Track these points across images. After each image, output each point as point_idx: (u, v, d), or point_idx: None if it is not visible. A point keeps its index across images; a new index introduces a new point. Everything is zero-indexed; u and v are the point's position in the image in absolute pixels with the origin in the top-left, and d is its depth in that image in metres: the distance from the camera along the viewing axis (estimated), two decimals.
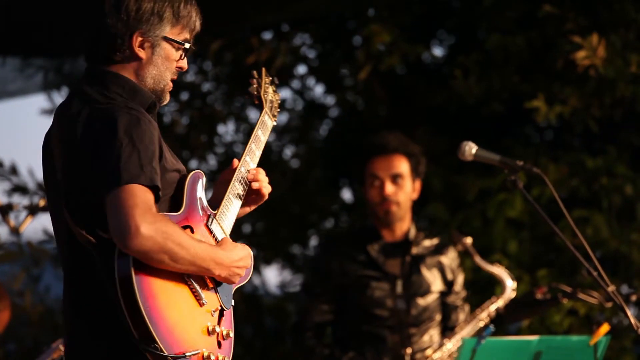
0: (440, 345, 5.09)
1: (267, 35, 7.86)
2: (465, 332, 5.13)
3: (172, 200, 3.28)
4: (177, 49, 3.43)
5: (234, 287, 3.37)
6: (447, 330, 5.23)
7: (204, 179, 3.37)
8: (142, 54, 3.36)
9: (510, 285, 5.27)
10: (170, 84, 3.45)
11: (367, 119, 7.95)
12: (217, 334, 3.24)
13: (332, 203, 8.29)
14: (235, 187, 3.47)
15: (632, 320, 4.12)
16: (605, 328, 4.43)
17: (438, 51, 8.03)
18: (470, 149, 4.36)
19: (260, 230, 8.35)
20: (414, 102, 7.71)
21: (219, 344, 3.25)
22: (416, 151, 5.26)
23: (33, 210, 5.83)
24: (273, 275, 12.39)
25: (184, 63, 3.48)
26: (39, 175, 3.22)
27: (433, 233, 5.39)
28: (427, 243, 5.28)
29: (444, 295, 5.25)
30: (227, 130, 8.42)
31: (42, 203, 5.85)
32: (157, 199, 3.13)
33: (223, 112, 8.35)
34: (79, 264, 3.24)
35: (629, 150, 7.03)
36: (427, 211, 7.08)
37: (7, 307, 5.52)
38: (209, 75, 8.38)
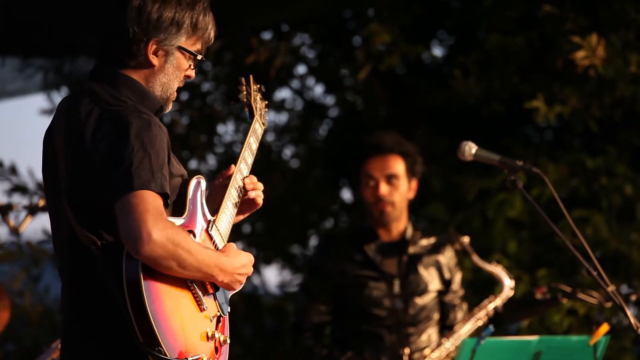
0: (439, 344, 5.09)
1: (267, 35, 7.87)
2: (463, 330, 5.12)
3: (174, 205, 3.28)
4: (189, 59, 3.43)
5: (231, 294, 3.38)
6: (446, 329, 5.23)
7: (205, 184, 3.37)
8: (155, 61, 3.36)
9: (508, 284, 5.27)
10: (175, 94, 3.45)
11: (367, 119, 7.95)
12: (215, 340, 3.25)
13: (331, 203, 8.29)
14: (232, 195, 3.48)
15: (632, 320, 4.12)
16: (604, 328, 4.44)
17: (438, 51, 8.04)
18: (470, 149, 4.36)
19: (260, 230, 8.35)
20: (413, 102, 7.71)
21: (217, 350, 3.26)
22: (412, 151, 5.26)
23: (33, 210, 5.83)
24: (273, 275, 12.40)
25: (192, 72, 3.47)
26: (39, 175, 3.22)
27: (430, 232, 5.38)
28: (424, 242, 5.28)
29: (441, 294, 5.25)
30: (226, 130, 8.43)
31: (41, 203, 5.84)
32: (165, 206, 3.14)
33: (223, 112, 8.35)
34: (79, 264, 3.23)
35: (628, 150, 7.03)
36: (427, 211, 7.08)
37: (6, 306, 5.52)
38: (208, 75, 8.38)
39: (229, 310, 3.35)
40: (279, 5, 6.94)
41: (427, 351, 5.09)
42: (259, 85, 3.85)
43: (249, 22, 7.30)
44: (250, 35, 7.61)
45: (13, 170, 7.81)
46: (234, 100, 3.80)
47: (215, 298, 3.29)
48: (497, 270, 5.30)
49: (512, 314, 5.20)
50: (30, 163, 7.91)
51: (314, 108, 8.37)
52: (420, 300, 5.17)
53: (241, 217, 3.60)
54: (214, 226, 3.33)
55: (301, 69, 8.27)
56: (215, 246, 3.32)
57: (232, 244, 3.35)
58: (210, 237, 3.32)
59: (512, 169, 4.28)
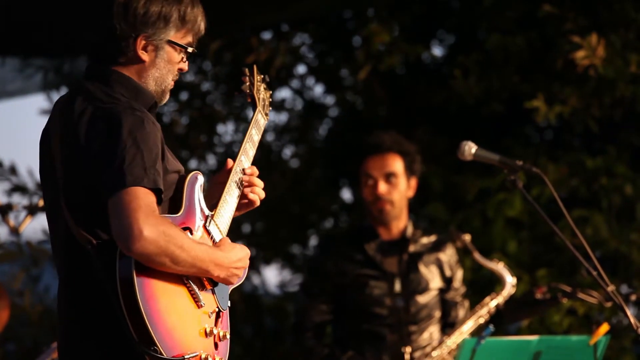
0: (440, 342, 5.09)
1: (267, 35, 7.87)
2: (465, 328, 5.12)
3: (171, 201, 3.28)
4: (180, 52, 3.43)
5: (230, 288, 3.37)
6: (447, 326, 5.23)
7: (203, 180, 3.37)
8: (145, 56, 3.36)
9: (510, 281, 5.26)
10: (172, 84, 3.46)
11: (367, 119, 7.95)
12: (214, 335, 3.24)
13: (331, 203, 8.30)
14: (231, 189, 3.47)
15: (632, 320, 4.12)
16: (604, 328, 4.43)
17: (438, 51, 8.04)
18: (470, 148, 4.36)
19: (260, 230, 8.35)
20: (413, 102, 7.71)
21: (216, 346, 3.25)
22: (410, 149, 5.26)
23: (32, 210, 5.83)
24: (273, 275, 12.41)
25: (185, 65, 3.48)
26: (39, 175, 3.22)
27: (430, 230, 5.38)
28: (425, 240, 5.28)
29: (443, 292, 5.25)
30: (226, 130, 8.44)
31: (41, 203, 5.84)
32: (159, 202, 3.13)
33: (222, 112, 8.36)
34: (76, 264, 3.23)
35: (628, 150, 7.04)
36: (426, 211, 7.08)
37: (6, 306, 5.52)
38: (208, 75, 8.38)
39: (229, 305, 3.35)
40: (279, 5, 6.94)
41: (428, 349, 5.09)
42: (262, 76, 3.83)
43: (248, 22, 7.30)
44: (250, 35, 7.61)
45: (13, 170, 7.81)
46: (238, 91, 3.78)
47: (213, 293, 3.28)
48: (499, 267, 5.29)
49: (512, 314, 5.20)
50: (30, 163, 7.92)
51: (313, 108, 8.37)
52: (421, 299, 5.17)
53: (237, 213, 3.56)
54: (212, 221, 3.32)
55: (301, 69, 8.28)
56: (214, 241, 3.32)
57: (227, 238, 3.34)
58: (208, 233, 3.31)
59: (512, 168, 4.28)
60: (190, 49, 3.45)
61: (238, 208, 3.53)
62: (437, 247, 5.28)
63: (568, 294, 4.90)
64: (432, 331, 5.17)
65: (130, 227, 3.02)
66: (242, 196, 3.54)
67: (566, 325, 6.56)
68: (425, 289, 5.19)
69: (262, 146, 8.20)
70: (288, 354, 7.99)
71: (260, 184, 3.58)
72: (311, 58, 8.24)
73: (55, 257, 3.35)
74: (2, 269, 7.86)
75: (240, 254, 3.30)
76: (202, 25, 3.47)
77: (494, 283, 6.33)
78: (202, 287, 3.23)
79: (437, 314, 5.21)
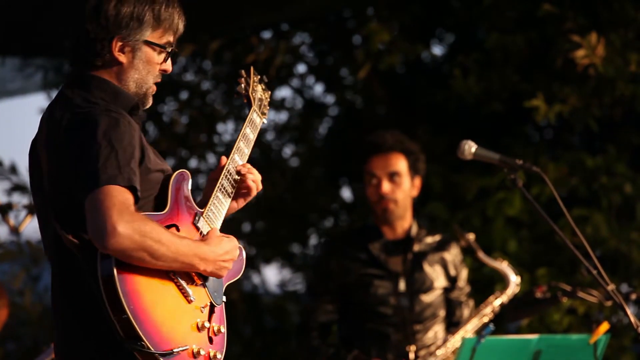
0: (445, 341, 5.09)
1: (267, 35, 7.87)
2: (469, 327, 5.12)
3: (156, 200, 3.29)
4: (160, 52, 3.43)
5: (226, 283, 3.39)
6: (452, 326, 5.23)
7: (190, 178, 3.38)
8: (122, 58, 3.37)
9: (514, 280, 5.26)
10: (154, 87, 3.46)
11: (367, 118, 7.95)
12: (208, 330, 3.26)
13: (331, 202, 8.30)
14: (223, 185, 3.48)
15: (632, 319, 4.12)
16: (605, 327, 4.44)
17: (437, 50, 8.04)
18: (470, 147, 4.36)
19: (260, 230, 8.35)
20: (413, 101, 7.71)
21: (210, 340, 3.27)
22: (414, 149, 5.26)
23: (33, 209, 5.83)
24: (273, 275, 12.41)
25: (168, 66, 3.48)
26: (29, 185, 3.27)
27: (435, 230, 5.39)
28: (429, 240, 5.28)
29: (447, 291, 5.25)
30: (226, 129, 8.44)
31: None
32: (136, 200, 3.14)
33: (222, 111, 8.36)
34: (65, 267, 3.26)
35: (628, 150, 7.04)
36: (426, 210, 7.08)
37: (5, 305, 5.52)
38: (208, 74, 8.39)
39: (224, 300, 3.36)
40: (279, 5, 6.94)
41: (433, 348, 5.10)
42: (260, 76, 3.84)
43: (248, 21, 7.31)
44: (250, 35, 7.62)
45: (13, 169, 7.81)
46: (236, 94, 3.79)
47: (205, 288, 3.29)
48: (503, 266, 5.29)
49: (512, 313, 5.20)
50: None
51: (313, 107, 8.38)
52: (425, 298, 5.17)
53: (236, 206, 3.60)
54: (200, 218, 3.33)
55: (301, 68, 8.29)
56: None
57: (215, 230, 3.35)
58: (198, 229, 3.32)
59: (512, 168, 4.28)
60: (169, 49, 3.44)
61: (236, 198, 3.56)
62: (441, 246, 5.28)
63: (568, 293, 4.90)
64: (437, 330, 5.17)
65: (104, 224, 3.04)
66: (239, 187, 3.55)
67: (566, 324, 6.56)
68: (429, 288, 5.19)
69: (262, 145, 8.21)
70: (288, 353, 7.99)
71: (256, 173, 3.58)
72: (311, 57, 8.25)
73: (49, 259, 3.38)
74: (2, 269, 7.87)
75: (227, 246, 3.31)
76: (180, 24, 3.46)
77: (495, 282, 6.34)
78: (191, 282, 3.24)
79: (442, 313, 5.22)
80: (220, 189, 3.46)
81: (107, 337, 3.12)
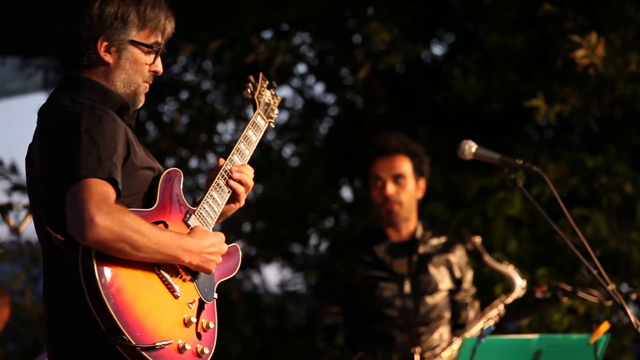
0: (450, 343, 5.09)
1: (267, 34, 7.87)
2: (474, 330, 5.12)
3: (146, 197, 3.32)
4: (147, 53, 3.45)
5: (219, 280, 3.41)
6: (458, 327, 5.23)
7: (182, 176, 3.40)
8: (108, 58, 3.40)
9: (520, 283, 5.25)
10: (145, 86, 3.48)
11: (367, 118, 7.95)
12: (196, 325, 3.27)
13: (331, 202, 8.30)
14: (219, 185, 3.50)
15: (632, 318, 4.12)
16: (605, 326, 4.44)
17: (438, 50, 8.04)
18: (470, 147, 4.37)
19: (260, 229, 8.35)
20: (413, 101, 7.71)
21: (199, 335, 3.27)
22: (418, 151, 5.27)
23: None
24: (273, 275, 12.40)
25: (157, 66, 3.49)
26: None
27: (440, 232, 5.39)
28: (435, 242, 5.28)
29: (452, 293, 5.25)
30: (226, 129, 8.44)
31: None
32: (118, 193, 3.17)
33: (223, 111, 8.36)
34: (54, 265, 3.29)
35: (628, 149, 7.04)
36: (427, 210, 7.08)
37: (6, 305, 5.52)
38: (208, 74, 8.39)
39: (215, 297, 3.37)
40: (279, 5, 6.93)
41: (438, 350, 5.10)
42: (269, 82, 3.85)
43: (248, 21, 7.30)
44: (250, 35, 7.62)
45: (13, 169, 7.81)
46: (245, 100, 3.81)
47: (193, 283, 3.30)
48: (509, 270, 5.28)
49: (512, 313, 5.20)
50: None
51: (314, 107, 8.38)
52: (431, 300, 5.17)
53: (234, 207, 3.60)
54: (192, 216, 3.35)
55: (301, 68, 8.29)
56: None
57: (201, 227, 3.35)
58: (188, 226, 3.33)
59: (512, 167, 4.28)
60: (155, 48, 3.45)
61: (232, 200, 3.56)
62: (446, 248, 5.28)
63: (568, 293, 4.90)
64: (442, 332, 5.18)
65: (82, 216, 3.07)
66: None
67: (566, 324, 6.56)
68: (434, 290, 5.19)
69: (262, 145, 8.20)
70: (288, 353, 8.00)
71: (245, 171, 3.57)
72: (311, 57, 8.25)
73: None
74: (2, 269, 7.86)
75: (213, 239, 3.32)
76: (167, 25, 3.48)
77: (495, 282, 6.34)
78: (177, 277, 3.26)
79: (447, 315, 5.22)
80: (216, 188, 3.48)
81: (98, 334, 3.13)
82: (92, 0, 3.37)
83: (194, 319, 3.25)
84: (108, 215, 3.07)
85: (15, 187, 7.75)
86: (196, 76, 8.39)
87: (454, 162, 6.33)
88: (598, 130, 6.87)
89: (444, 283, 5.22)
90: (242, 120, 8.33)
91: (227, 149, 8.35)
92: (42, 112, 3.36)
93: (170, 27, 3.49)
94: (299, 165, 8.38)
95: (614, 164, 6.81)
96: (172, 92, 8.32)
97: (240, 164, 3.59)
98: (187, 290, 3.27)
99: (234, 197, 3.57)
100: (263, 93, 3.80)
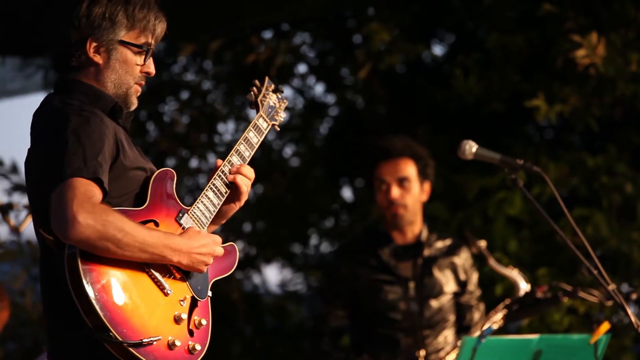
0: (454, 346, 5.09)
1: (267, 34, 7.87)
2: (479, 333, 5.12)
3: (137, 198, 3.33)
4: (137, 53, 3.45)
5: (213, 278, 3.41)
6: (462, 330, 5.23)
7: (174, 177, 3.40)
8: (97, 59, 3.41)
9: (524, 287, 5.23)
10: (136, 88, 3.48)
11: (367, 118, 7.95)
12: (188, 322, 3.27)
13: (332, 202, 8.30)
14: (215, 184, 3.50)
15: (633, 318, 4.12)
16: (605, 326, 4.43)
17: (438, 50, 8.04)
18: (471, 147, 4.36)
19: (261, 230, 8.35)
20: (413, 101, 7.71)
21: (191, 332, 3.28)
22: (423, 153, 5.26)
23: None
24: (273, 275, 12.41)
25: (149, 67, 3.49)
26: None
27: (445, 234, 5.39)
28: (440, 244, 5.28)
29: (457, 295, 5.25)
30: (227, 129, 8.44)
31: None
32: (104, 192, 3.18)
33: (223, 111, 8.36)
34: (49, 265, 3.30)
35: (629, 149, 7.04)
36: (427, 210, 7.07)
37: (6, 306, 5.53)
38: (209, 74, 8.38)
39: (209, 294, 3.37)
40: (279, 4, 6.94)
41: (442, 354, 5.10)
42: (274, 86, 3.86)
43: (249, 21, 7.31)
44: (251, 35, 7.62)
45: (14, 169, 7.81)
46: (250, 104, 3.83)
47: (185, 281, 3.30)
48: (514, 274, 5.26)
49: (512, 313, 5.20)
50: None
51: (314, 107, 8.37)
52: (435, 303, 5.17)
53: (234, 207, 3.60)
54: (185, 215, 3.36)
55: (301, 68, 8.29)
56: None
57: (195, 227, 3.36)
58: (180, 225, 3.34)
59: (513, 167, 4.28)
60: (145, 48, 3.45)
61: (233, 200, 3.56)
62: (451, 251, 5.28)
63: (569, 293, 4.90)
64: (447, 335, 5.17)
65: (64, 215, 3.08)
66: (233, 189, 3.56)
67: (566, 324, 6.56)
68: (439, 293, 5.19)
69: (263, 145, 8.18)
70: (288, 353, 7.99)
71: (245, 172, 3.57)
72: (311, 57, 8.25)
73: None
74: (2, 269, 7.86)
75: (204, 240, 3.32)
76: (158, 25, 3.47)
77: (496, 282, 6.34)
78: (169, 276, 3.26)
79: (452, 317, 5.21)
80: (212, 188, 3.49)
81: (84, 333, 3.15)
82: (80, 2, 3.38)
83: (184, 316, 3.26)
84: (91, 214, 3.08)
85: (16, 187, 7.75)
86: (196, 76, 8.39)
87: (455, 162, 6.33)
88: (598, 130, 6.87)
89: (449, 286, 5.21)
90: (243, 120, 8.33)
91: (227, 149, 8.35)
92: (34, 116, 3.38)
93: (160, 27, 3.48)
94: (299, 165, 8.38)
95: (615, 164, 6.81)
96: (172, 92, 8.32)
97: (239, 164, 3.58)
98: (177, 287, 3.28)
99: (233, 197, 3.58)
100: (267, 96, 3.81)
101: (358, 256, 5.23)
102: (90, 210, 3.08)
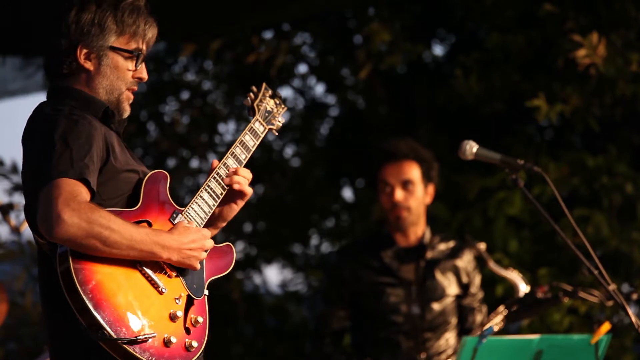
0: (455, 350, 5.09)
1: (268, 35, 7.87)
2: None
3: (130, 199, 3.34)
4: (127, 59, 3.46)
5: (210, 277, 3.42)
6: (465, 332, 5.22)
7: (168, 178, 3.41)
8: (88, 65, 3.42)
9: (524, 289, 5.24)
10: (128, 94, 3.49)
11: (368, 118, 7.95)
12: (184, 320, 3.28)
13: (332, 202, 8.30)
14: (210, 186, 3.51)
15: (633, 318, 4.12)
16: (606, 327, 4.43)
17: (438, 50, 8.04)
18: (471, 147, 4.36)
19: (261, 230, 8.35)
20: (414, 102, 7.71)
21: (187, 330, 3.28)
22: (427, 156, 5.26)
23: None
24: (274, 275, 12.42)
25: (142, 73, 3.50)
26: None
27: (449, 236, 5.38)
28: (443, 247, 5.27)
29: (459, 298, 5.24)
30: (227, 129, 8.44)
31: None
32: (92, 193, 3.19)
33: (224, 111, 8.36)
34: (46, 265, 3.31)
35: (629, 149, 7.03)
36: (428, 211, 7.07)
37: (4, 302, 5.52)
38: (209, 74, 8.38)
39: (206, 293, 3.37)
40: (280, 4, 6.93)
41: (443, 356, 5.09)
42: (272, 91, 3.87)
43: (249, 21, 7.30)
44: (251, 35, 7.61)
45: (14, 169, 7.81)
46: (247, 110, 3.84)
47: (181, 279, 3.31)
48: (513, 276, 5.26)
49: (513, 313, 5.19)
50: None
51: (315, 107, 8.38)
52: (437, 306, 5.16)
53: (235, 206, 3.62)
54: (179, 215, 3.36)
55: (302, 68, 8.29)
56: None
57: (183, 222, 3.36)
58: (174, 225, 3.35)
59: (513, 168, 4.28)
60: (136, 53, 3.45)
61: (232, 200, 3.58)
62: (454, 253, 5.27)
63: (569, 293, 4.89)
64: (448, 337, 5.17)
65: (50, 213, 3.10)
66: (232, 190, 3.56)
67: (567, 324, 6.56)
68: (441, 296, 5.18)
69: (263, 146, 8.20)
70: (289, 354, 7.99)
71: (244, 177, 3.57)
72: (312, 57, 8.25)
73: None
74: (3, 269, 7.86)
75: (194, 235, 3.32)
76: (148, 30, 3.48)
77: (496, 282, 6.33)
78: (161, 273, 3.27)
79: (454, 320, 5.21)
80: (207, 190, 3.50)
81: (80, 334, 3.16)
82: (69, 9, 3.40)
83: (180, 314, 3.27)
84: (76, 211, 3.09)
85: (16, 188, 7.74)
86: (197, 76, 8.39)
87: (455, 162, 6.33)
88: (599, 130, 6.86)
89: (451, 289, 5.21)
90: (244, 121, 8.33)
91: (228, 150, 8.31)
92: (26, 124, 3.39)
93: (151, 32, 3.49)
94: (300, 165, 8.38)
95: (615, 164, 6.80)
96: (173, 92, 8.32)
97: (235, 167, 3.58)
98: (172, 286, 3.29)
99: (231, 198, 3.58)
100: (264, 101, 3.83)
101: (360, 258, 5.22)
102: (76, 208, 3.10)
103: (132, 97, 3.50)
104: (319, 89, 8.43)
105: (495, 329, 5.12)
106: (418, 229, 5.24)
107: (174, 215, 3.36)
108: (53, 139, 3.21)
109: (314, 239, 8.41)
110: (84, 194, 3.16)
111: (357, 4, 7.53)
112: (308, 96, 8.40)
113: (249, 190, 3.60)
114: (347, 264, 5.23)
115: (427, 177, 5.24)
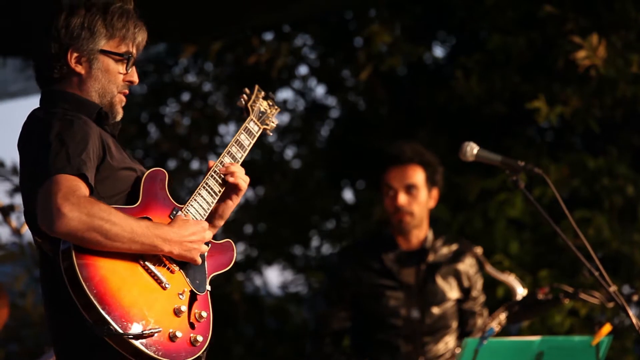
0: (453, 354, 5.08)
1: (268, 36, 7.87)
2: None
3: (129, 197, 3.35)
4: (118, 62, 3.47)
5: (212, 273, 3.43)
6: (465, 336, 5.20)
7: (167, 176, 3.42)
8: (79, 69, 3.43)
9: (521, 292, 5.23)
10: (120, 97, 3.51)
11: (368, 119, 7.95)
12: (188, 315, 3.29)
13: (333, 204, 8.29)
14: (208, 183, 3.53)
15: (634, 320, 4.12)
16: (607, 328, 4.43)
17: (439, 52, 8.05)
18: (472, 149, 4.37)
19: (262, 231, 8.35)
20: (415, 103, 7.71)
21: (192, 325, 3.30)
22: (432, 160, 5.26)
23: None
24: (274, 276, 12.42)
25: (132, 76, 3.52)
26: None
27: (452, 238, 5.37)
28: (445, 250, 5.27)
29: (460, 302, 5.24)
30: (228, 130, 8.44)
31: None
32: (91, 188, 3.20)
33: (224, 112, 8.36)
34: (48, 265, 3.31)
35: (630, 151, 7.03)
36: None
37: (5, 305, 5.53)
38: (210, 76, 8.39)
39: (208, 289, 3.39)
40: (280, 6, 6.93)
41: None
42: (265, 93, 3.89)
43: (250, 22, 7.30)
44: (252, 36, 7.62)
45: (15, 170, 7.81)
46: (245, 111, 3.85)
47: (183, 274, 3.32)
48: (510, 279, 5.26)
49: (514, 315, 5.20)
50: None
51: (315, 109, 8.38)
52: (437, 310, 5.16)
53: (231, 203, 3.63)
54: (179, 212, 3.38)
55: (303, 70, 8.29)
56: None
57: (181, 216, 3.37)
58: None
59: (514, 169, 4.28)
60: (126, 57, 3.47)
61: (229, 196, 3.59)
62: (456, 257, 5.27)
63: (570, 295, 4.89)
64: (448, 341, 5.16)
65: (50, 208, 3.11)
66: (228, 187, 3.58)
67: (568, 325, 6.56)
68: (441, 300, 5.18)
69: (264, 147, 8.21)
70: (289, 354, 7.99)
71: (239, 171, 3.59)
72: (312, 59, 8.25)
73: None
74: (4, 270, 7.86)
75: (193, 228, 3.34)
76: (138, 34, 3.50)
77: (496, 284, 6.33)
78: (163, 267, 3.28)
79: (454, 324, 5.21)
80: (205, 187, 3.52)
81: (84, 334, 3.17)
82: (58, 13, 3.41)
83: (184, 309, 3.29)
84: (76, 205, 3.11)
85: (17, 189, 7.74)
86: (197, 78, 8.39)
87: (456, 164, 6.33)
88: (599, 131, 6.86)
89: (452, 293, 5.21)
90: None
91: None
92: (21, 130, 3.40)
93: (141, 36, 3.51)
94: (300, 167, 8.38)
95: (616, 166, 6.80)
96: (173, 93, 8.32)
97: (229, 163, 3.60)
98: (175, 281, 3.31)
99: (227, 195, 3.60)
100: (257, 102, 3.85)
101: (361, 259, 5.22)
102: (75, 202, 3.11)
103: (124, 100, 3.51)
104: (320, 90, 8.43)
105: (496, 329, 5.13)
106: (420, 232, 5.24)
107: (174, 212, 3.37)
108: (49, 140, 3.22)
109: (314, 241, 8.41)
110: (83, 188, 3.17)
111: (358, 5, 7.54)
112: (309, 97, 8.40)
113: (244, 184, 3.60)
114: (348, 265, 5.23)
115: (431, 182, 5.24)
